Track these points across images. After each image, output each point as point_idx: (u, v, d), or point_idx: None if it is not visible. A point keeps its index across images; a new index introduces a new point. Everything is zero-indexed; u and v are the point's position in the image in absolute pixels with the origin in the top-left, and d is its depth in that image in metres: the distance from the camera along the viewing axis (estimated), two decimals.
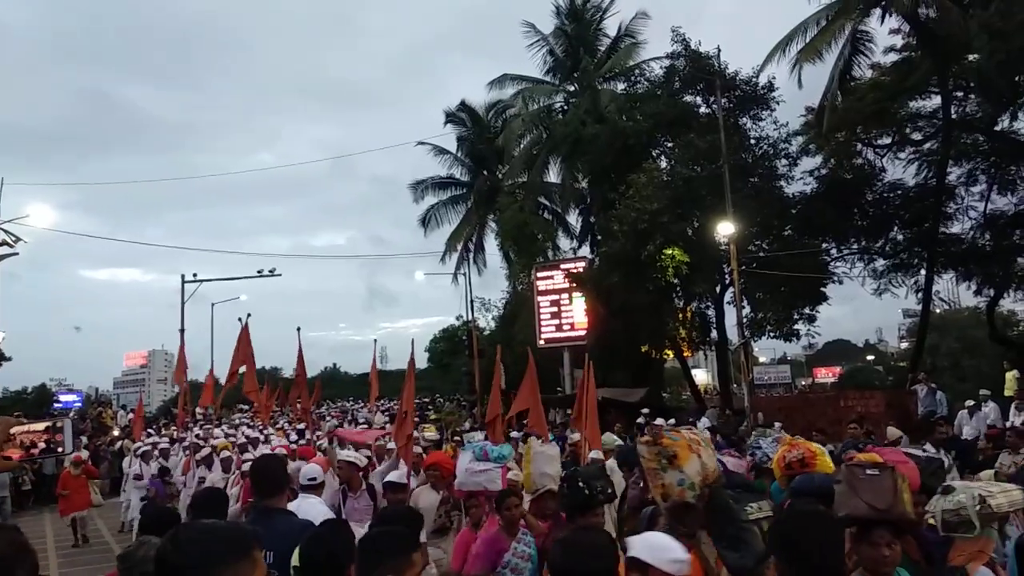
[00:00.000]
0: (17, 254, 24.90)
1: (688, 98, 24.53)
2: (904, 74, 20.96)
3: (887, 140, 22.76)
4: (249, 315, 12.42)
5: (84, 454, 14.72)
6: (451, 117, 37.82)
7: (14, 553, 1.94)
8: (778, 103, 23.04)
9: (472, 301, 36.12)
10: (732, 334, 23.84)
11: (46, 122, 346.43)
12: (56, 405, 39.16)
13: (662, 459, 3.65)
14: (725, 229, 20.09)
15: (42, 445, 1.89)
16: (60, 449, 1.96)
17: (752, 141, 23.29)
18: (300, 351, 12.70)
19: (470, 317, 35.82)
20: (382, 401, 39.07)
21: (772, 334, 23.23)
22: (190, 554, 1.66)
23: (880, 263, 22.70)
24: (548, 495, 5.44)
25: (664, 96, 24.22)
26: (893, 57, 21.63)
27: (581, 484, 4.32)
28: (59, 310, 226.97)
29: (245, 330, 12.16)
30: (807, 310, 22.60)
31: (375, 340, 20.56)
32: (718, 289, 24.02)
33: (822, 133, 21.55)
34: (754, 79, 22.92)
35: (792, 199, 22.83)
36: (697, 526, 3.56)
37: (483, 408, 21.65)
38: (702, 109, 24.29)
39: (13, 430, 1.81)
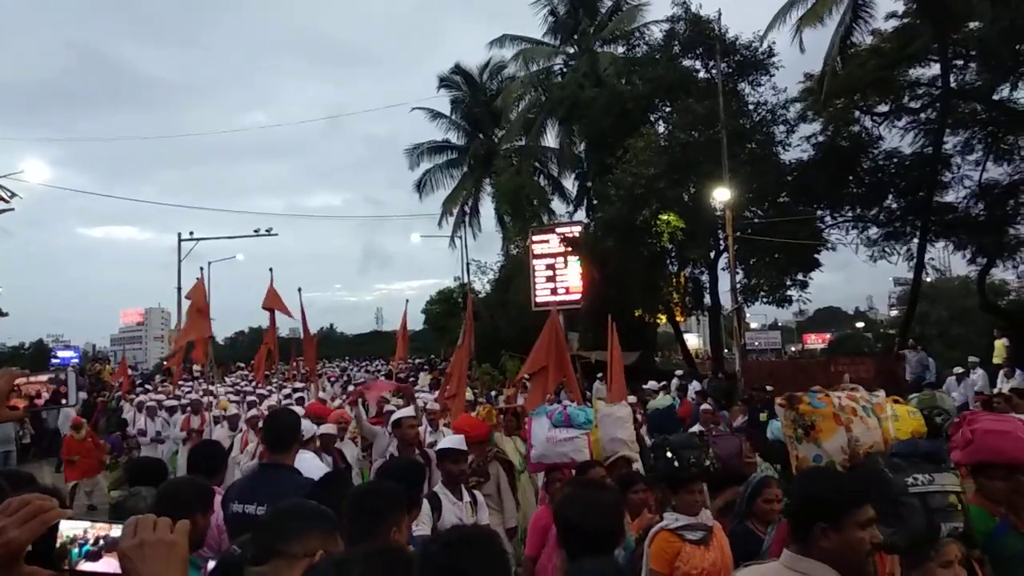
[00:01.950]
0: (12, 209, 24.87)
1: (687, 63, 24.30)
2: (905, 41, 20.81)
3: (885, 108, 22.68)
4: (271, 269, 12.88)
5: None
6: (445, 81, 37.36)
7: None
8: (777, 68, 22.90)
9: (468, 264, 36.20)
10: (725, 300, 24.06)
11: (38, 78, 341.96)
12: (54, 361, 39.21)
13: (797, 428, 3.18)
14: (721, 195, 20.11)
15: (46, 395, 1.90)
16: (64, 400, 1.96)
17: (750, 107, 23.17)
18: (303, 312, 13.05)
19: (466, 280, 35.91)
20: (379, 362, 39.48)
21: (765, 300, 23.41)
22: (286, 519, 2.18)
23: (874, 231, 22.77)
24: (623, 462, 4.88)
25: (663, 60, 23.97)
26: (894, 23, 21.49)
27: (670, 455, 3.65)
28: (56, 267, 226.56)
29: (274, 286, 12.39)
30: (800, 276, 22.70)
31: (407, 300, 20.34)
32: (712, 255, 24.09)
33: (821, 99, 21.46)
34: (755, 44, 22.73)
35: (789, 166, 22.78)
36: None
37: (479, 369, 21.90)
38: (701, 74, 24.10)
39: (17, 381, 1.82)
